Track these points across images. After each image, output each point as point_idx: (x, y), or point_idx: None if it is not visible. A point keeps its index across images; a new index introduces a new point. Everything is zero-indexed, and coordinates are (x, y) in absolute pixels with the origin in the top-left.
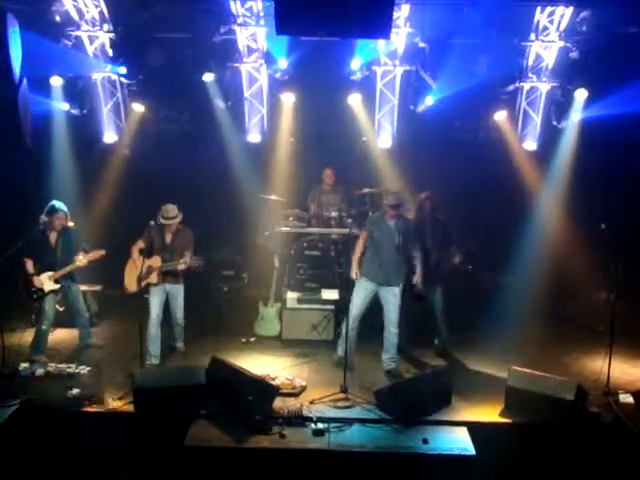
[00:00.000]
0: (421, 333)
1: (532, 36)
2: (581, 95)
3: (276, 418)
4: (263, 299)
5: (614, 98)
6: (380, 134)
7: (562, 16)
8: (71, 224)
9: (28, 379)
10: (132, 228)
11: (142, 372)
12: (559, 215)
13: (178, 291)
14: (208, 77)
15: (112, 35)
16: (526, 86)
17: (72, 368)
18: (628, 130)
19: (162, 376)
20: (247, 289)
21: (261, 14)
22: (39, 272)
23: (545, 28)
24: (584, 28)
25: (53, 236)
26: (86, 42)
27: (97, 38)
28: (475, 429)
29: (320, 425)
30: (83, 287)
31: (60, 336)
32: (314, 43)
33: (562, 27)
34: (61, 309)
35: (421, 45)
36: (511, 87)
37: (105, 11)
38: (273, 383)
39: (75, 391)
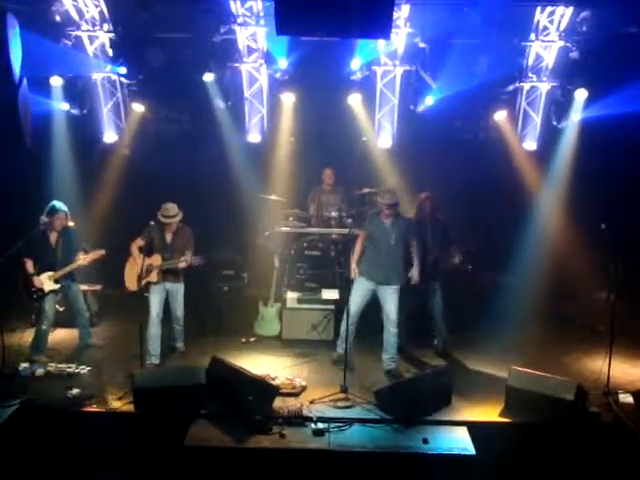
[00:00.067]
0: (421, 333)
1: (532, 36)
2: (581, 95)
3: (276, 418)
4: (263, 299)
5: (614, 98)
6: (380, 134)
7: (562, 16)
8: (71, 224)
9: (28, 379)
10: (132, 228)
11: (142, 372)
12: (559, 215)
13: (178, 290)
14: (208, 77)
15: (112, 35)
16: (526, 86)
17: (72, 368)
18: (628, 130)
19: (162, 376)
20: (247, 289)
21: (261, 14)
22: (39, 272)
23: (545, 28)
24: (584, 28)
25: (53, 236)
26: (86, 42)
27: (97, 38)
28: (475, 429)
29: (320, 425)
30: (83, 287)
31: (60, 336)
32: (314, 43)
33: (562, 27)
34: (61, 309)
35: (421, 45)
36: (511, 87)
37: (105, 11)
38: (273, 383)
39: (75, 391)
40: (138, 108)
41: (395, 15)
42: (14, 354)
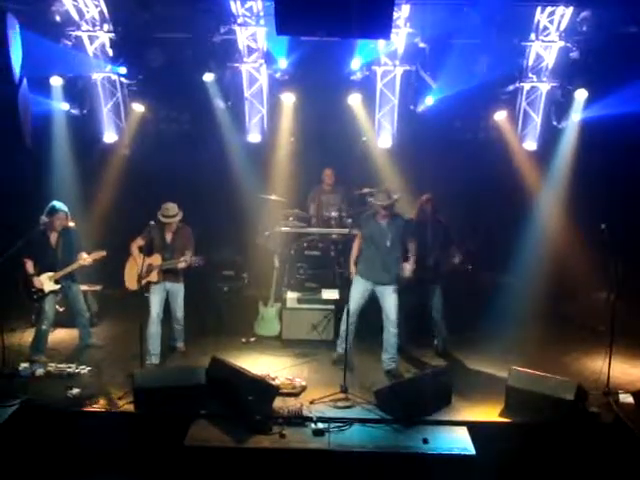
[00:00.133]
0: (421, 333)
1: (532, 36)
2: (581, 95)
3: (276, 418)
4: (263, 299)
5: (614, 98)
6: (380, 134)
7: (562, 16)
8: (71, 224)
9: (28, 379)
10: (132, 228)
11: (142, 372)
12: (559, 215)
13: (178, 290)
14: (208, 77)
15: (112, 35)
16: (526, 86)
17: (72, 368)
18: (628, 130)
19: (162, 376)
20: (247, 289)
21: (261, 14)
22: (39, 272)
23: (545, 28)
24: (584, 28)
25: (54, 236)
26: (86, 42)
27: (97, 38)
28: (475, 429)
29: (320, 425)
30: (83, 287)
31: (60, 336)
32: (314, 43)
33: (562, 27)
34: (61, 309)
35: (421, 45)
36: (511, 87)
37: (105, 11)
38: (273, 383)
39: (75, 391)
40: (138, 108)
41: (395, 15)
42: (14, 354)
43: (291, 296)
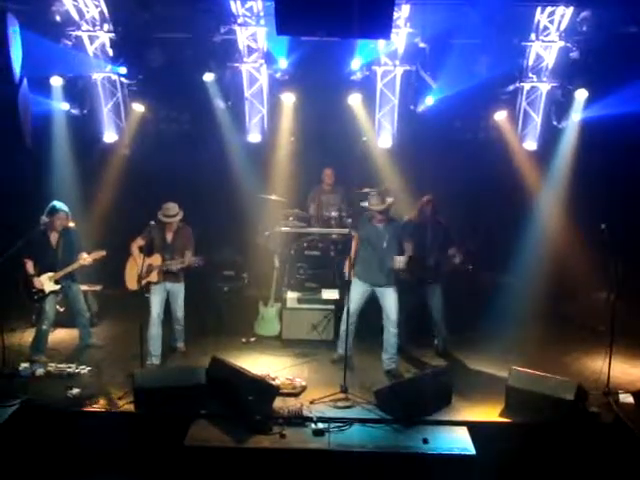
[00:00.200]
0: (421, 333)
1: (532, 36)
2: (581, 95)
3: (276, 418)
4: (263, 299)
5: (614, 98)
6: (380, 134)
7: (562, 16)
8: (72, 224)
9: (28, 379)
10: (132, 228)
11: (142, 372)
12: (559, 215)
13: (179, 290)
14: (208, 77)
15: (112, 35)
16: (526, 86)
17: (72, 368)
18: (628, 130)
19: (162, 376)
20: (247, 289)
21: (261, 14)
22: (39, 273)
23: (545, 28)
24: (584, 28)
25: (54, 237)
26: (86, 42)
27: (97, 38)
28: (475, 429)
29: (320, 425)
30: (83, 287)
31: (60, 336)
32: (314, 43)
33: (562, 27)
34: (61, 309)
35: (421, 45)
36: (511, 87)
37: (105, 11)
38: (273, 383)
39: (75, 391)
40: (138, 108)
41: (395, 15)
42: (14, 354)
43: (291, 296)
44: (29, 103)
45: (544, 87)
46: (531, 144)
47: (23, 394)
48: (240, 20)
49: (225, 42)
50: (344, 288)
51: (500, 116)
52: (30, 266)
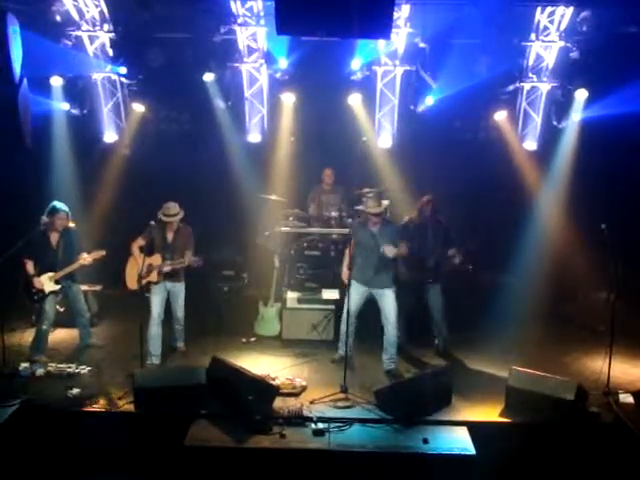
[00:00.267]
0: (421, 333)
1: (532, 36)
2: (581, 95)
3: (276, 418)
4: (263, 299)
5: (614, 98)
6: (380, 134)
7: (562, 16)
8: (72, 225)
9: (28, 379)
10: (132, 228)
11: (142, 372)
12: (559, 215)
13: (179, 290)
14: (208, 77)
15: (112, 35)
16: (526, 86)
17: (72, 368)
18: (628, 130)
19: (162, 376)
20: (247, 289)
21: (261, 14)
22: (39, 273)
23: (545, 28)
24: (584, 28)
25: (54, 237)
26: (86, 42)
27: (97, 38)
28: (475, 429)
29: (320, 425)
30: (83, 287)
31: (60, 336)
32: (314, 43)
33: (562, 27)
34: (61, 309)
35: (421, 45)
36: (511, 87)
37: (105, 11)
38: (273, 383)
39: (75, 391)
40: (138, 108)
41: (395, 15)
42: (14, 354)
43: (291, 296)
44: (29, 103)
45: (544, 87)
46: (531, 144)
47: (23, 394)
48: (240, 20)
49: (225, 42)
50: (343, 290)
51: (500, 116)
52: (30, 266)
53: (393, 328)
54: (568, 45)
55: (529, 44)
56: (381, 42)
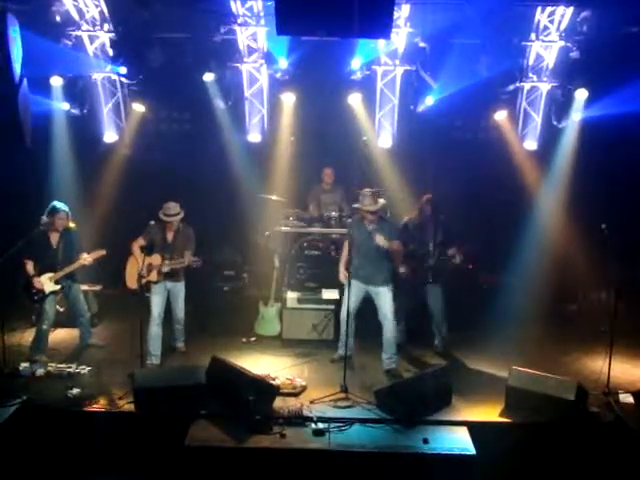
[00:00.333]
0: (421, 333)
1: (532, 36)
2: (581, 95)
3: (276, 418)
4: (263, 299)
5: (614, 98)
6: (380, 134)
7: (562, 16)
8: (72, 225)
9: (28, 379)
10: (132, 228)
11: (142, 372)
12: (559, 215)
13: (180, 290)
14: (208, 77)
15: (112, 35)
16: (526, 86)
17: (72, 368)
18: (628, 130)
19: (162, 376)
20: (247, 289)
21: (261, 14)
22: (39, 273)
23: (545, 28)
24: (584, 28)
25: (55, 237)
26: (86, 42)
27: (97, 38)
28: (475, 429)
29: (320, 425)
30: (83, 287)
31: (60, 336)
32: (314, 43)
33: (562, 27)
34: (61, 309)
35: (421, 45)
36: (511, 87)
37: (105, 11)
38: (273, 383)
39: (75, 391)
40: (138, 108)
41: (395, 15)
42: (14, 354)
43: (291, 296)
44: (29, 103)
45: (544, 87)
46: (531, 144)
47: (23, 394)
48: (240, 20)
49: (225, 42)
50: (342, 289)
51: (500, 116)
52: (30, 266)
53: (391, 326)
54: (568, 45)
55: (529, 44)
56: (381, 42)
